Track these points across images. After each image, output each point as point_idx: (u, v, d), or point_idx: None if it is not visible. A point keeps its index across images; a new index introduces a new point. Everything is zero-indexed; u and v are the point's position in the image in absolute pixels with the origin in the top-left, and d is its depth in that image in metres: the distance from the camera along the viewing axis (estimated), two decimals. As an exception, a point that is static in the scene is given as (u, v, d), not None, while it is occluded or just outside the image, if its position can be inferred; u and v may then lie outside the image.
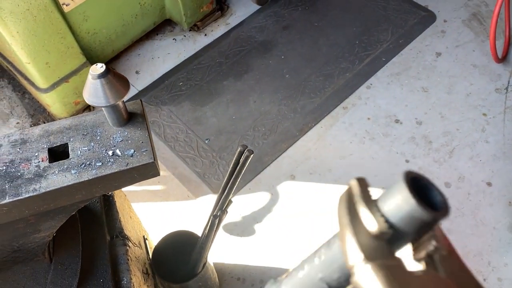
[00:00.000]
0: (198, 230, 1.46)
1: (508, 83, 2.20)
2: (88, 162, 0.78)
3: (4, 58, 2.07)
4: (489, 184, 1.90)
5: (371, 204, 0.40)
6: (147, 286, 1.23)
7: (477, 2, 2.54)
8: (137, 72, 2.35)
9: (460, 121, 2.09)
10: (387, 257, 0.38)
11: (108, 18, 2.09)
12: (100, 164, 0.78)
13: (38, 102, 2.25)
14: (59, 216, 0.85)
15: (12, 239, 0.86)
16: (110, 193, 1.18)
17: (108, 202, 1.17)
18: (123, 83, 0.76)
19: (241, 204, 1.89)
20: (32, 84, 1.99)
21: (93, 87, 0.74)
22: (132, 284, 1.04)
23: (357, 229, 0.39)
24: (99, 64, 0.74)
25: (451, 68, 2.28)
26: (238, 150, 0.99)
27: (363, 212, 0.39)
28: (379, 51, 2.34)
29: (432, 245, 0.40)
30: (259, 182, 1.96)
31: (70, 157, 0.79)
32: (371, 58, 2.32)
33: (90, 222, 1.09)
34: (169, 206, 1.92)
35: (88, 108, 2.18)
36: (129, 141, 0.80)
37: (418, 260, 0.41)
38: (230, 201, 1.17)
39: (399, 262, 0.38)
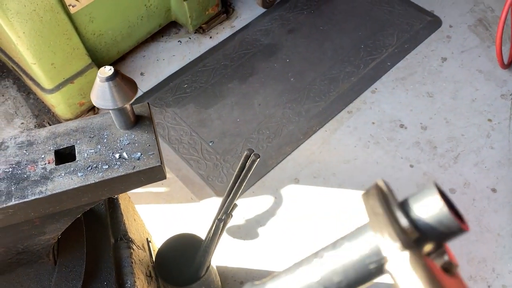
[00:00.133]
0: (201, 232, 1.45)
1: (514, 89, 2.20)
2: (94, 165, 0.77)
3: (10, 58, 2.07)
4: (494, 190, 1.89)
5: (399, 204, 0.41)
6: (150, 289, 1.23)
7: (483, 7, 2.54)
8: (142, 74, 2.35)
9: (465, 127, 2.08)
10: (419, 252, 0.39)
11: (114, 19, 2.10)
12: (107, 167, 0.77)
13: (42, 102, 2.25)
14: (64, 219, 0.84)
15: (17, 241, 0.86)
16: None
17: (113, 204, 1.17)
18: (131, 86, 0.76)
19: (245, 207, 1.89)
20: (37, 84, 1.99)
21: (101, 90, 0.74)
22: (136, 287, 1.03)
23: (391, 221, 0.40)
24: (108, 67, 0.74)
25: (457, 74, 2.27)
26: (245, 154, 0.99)
27: (395, 208, 0.41)
28: (384, 56, 2.34)
29: (445, 258, 0.40)
30: (263, 185, 1.95)
31: (76, 160, 0.78)
32: (376, 62, 2.32)
33: (95, 224, 1.09)
34: (172, 208, 1.91)
35: (92, 109, 2.18)
36: (136, 144, 0.80)
37: None
38: (235, 205, 1.17)
39: (429, 258, 0.40)
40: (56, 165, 0.78)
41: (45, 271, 0.96)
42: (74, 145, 0.80)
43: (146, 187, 1.96)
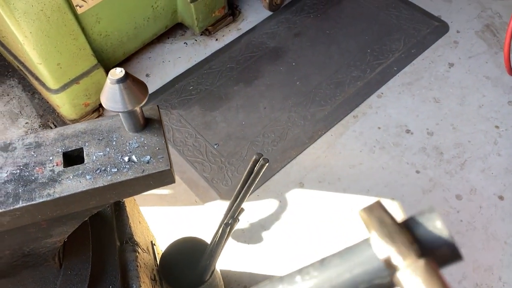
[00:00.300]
0: (205, 235, 1.44)
1: (521, 95, 2.18)
2: (103, 168, 0.76)
3: (16, 58, 2.07)
4: (501, 198, 1.87)
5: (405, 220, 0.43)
6: (155, 293, 1.22)
7: (491, 13, 2.53)
8: (147, 75, 2.35)
9: (472, 133, 2.07)
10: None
11: (120, 20, 2.09)
12: (116, 170, 0.76)
13: (47, 102, 2.24)
14: (71, 222, 0.83)
15: (23, 244, 0.85)
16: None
17: (119, 207, 1.16)
18: (142, 89, 0.75)
19: (249, 211, 1.87)
20: (43, 84, 1.99)
21: (111, 92, 0.73)
22: (141, 291, 1.02)
23: (403, 229, 0.41)
24: (118, 69, 0.73)
25: (464, 79, 2.26)
26: (253, 158, 0.97)
27: (401, 223, 0.42)
28: (390, 60, 2.33)
29: None
30: (267, 189, 1.94)
31: (85, 162, 0.77)
32: (382, 67, 2.31)
33: (100, 227, 1.08)
34: (177, 211, 1.90)
35: (97, 110, 2.18)
36: (146, 147, 0.79)
37: None
38: (242, 209, 1.15)
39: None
40: (64, 167, 0.76)
41: (50, 274, 0.95)
42: (82, 148, 0.79)
43: (150, 189, 1.95)
